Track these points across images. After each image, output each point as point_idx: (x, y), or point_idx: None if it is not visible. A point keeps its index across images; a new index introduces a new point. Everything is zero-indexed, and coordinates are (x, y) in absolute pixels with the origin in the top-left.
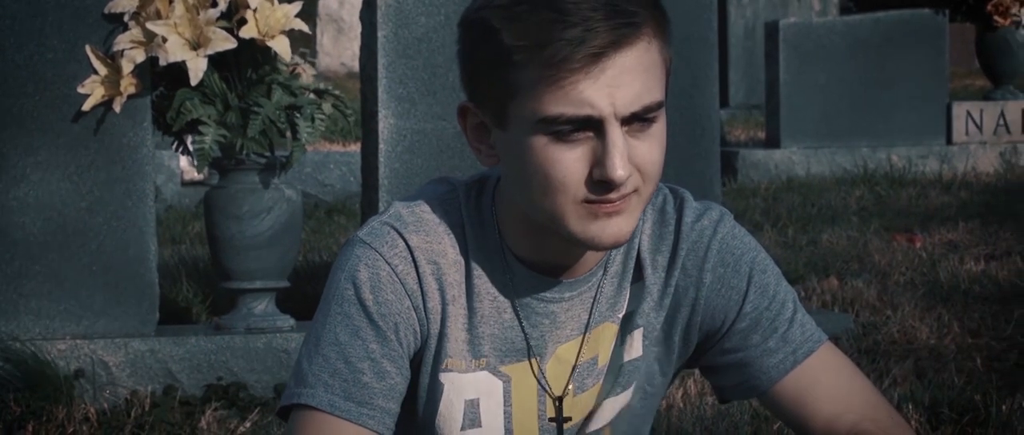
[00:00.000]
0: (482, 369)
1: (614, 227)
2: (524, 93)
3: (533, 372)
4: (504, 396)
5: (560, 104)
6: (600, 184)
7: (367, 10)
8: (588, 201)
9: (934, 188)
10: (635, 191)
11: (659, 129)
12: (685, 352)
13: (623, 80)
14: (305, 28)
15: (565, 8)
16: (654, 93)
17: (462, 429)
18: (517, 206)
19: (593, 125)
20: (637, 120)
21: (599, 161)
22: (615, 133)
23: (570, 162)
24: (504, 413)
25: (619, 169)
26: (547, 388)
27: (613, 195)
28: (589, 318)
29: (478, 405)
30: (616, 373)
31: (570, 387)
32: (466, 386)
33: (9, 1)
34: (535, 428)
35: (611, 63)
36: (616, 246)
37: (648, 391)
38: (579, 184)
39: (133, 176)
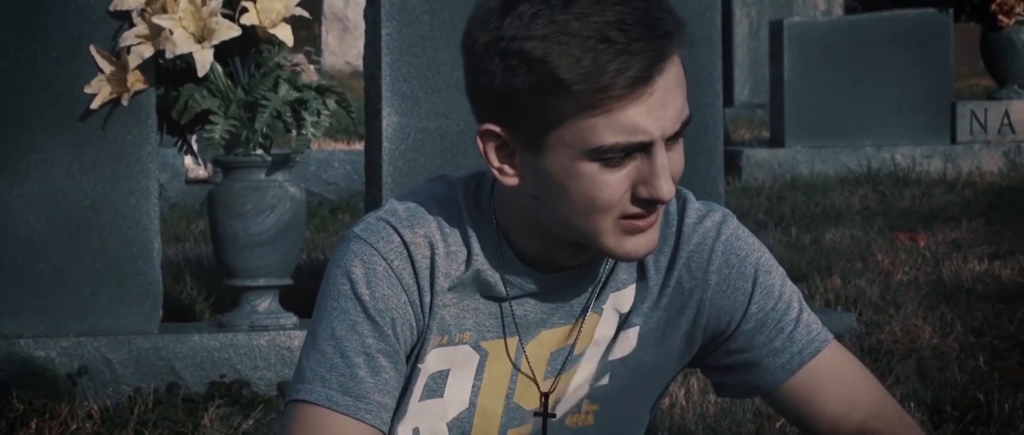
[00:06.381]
0: (464, 343)
1: (647, 240)
2: (569, 121)
3: (510, 352)
4: (478, 369)
5: (612, 133)
6: (645, 202)
7: (371, 8)
8: (626, 217)
9: (938, 187)
10: None
11: (682, 138)
12: (689, 352)
13: (667, 100)
14: (305, 14)
15: (607, 35)
16: (687, 106)
17: (420, 400)
18: (523, 209)
19: (642, 148)
20: (675, 136)
21: (646, 181)
22: (661, 155)
23: (615, 184)
24: (473, 386)
25: (668, 189)
26: (524, 371)
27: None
28: (582, 309)
29: (446, 376)
30: (603, 368)
31: (545, 370)
32: (434, 360)
33: None
34: (500, 406)
35: (656, 85)
36: (646, 257)
37: (636, 384)
38: (623, 203)
39: (137, 174)
